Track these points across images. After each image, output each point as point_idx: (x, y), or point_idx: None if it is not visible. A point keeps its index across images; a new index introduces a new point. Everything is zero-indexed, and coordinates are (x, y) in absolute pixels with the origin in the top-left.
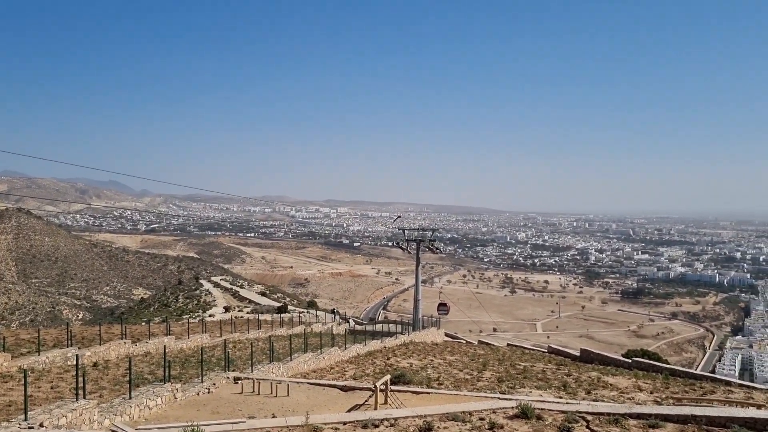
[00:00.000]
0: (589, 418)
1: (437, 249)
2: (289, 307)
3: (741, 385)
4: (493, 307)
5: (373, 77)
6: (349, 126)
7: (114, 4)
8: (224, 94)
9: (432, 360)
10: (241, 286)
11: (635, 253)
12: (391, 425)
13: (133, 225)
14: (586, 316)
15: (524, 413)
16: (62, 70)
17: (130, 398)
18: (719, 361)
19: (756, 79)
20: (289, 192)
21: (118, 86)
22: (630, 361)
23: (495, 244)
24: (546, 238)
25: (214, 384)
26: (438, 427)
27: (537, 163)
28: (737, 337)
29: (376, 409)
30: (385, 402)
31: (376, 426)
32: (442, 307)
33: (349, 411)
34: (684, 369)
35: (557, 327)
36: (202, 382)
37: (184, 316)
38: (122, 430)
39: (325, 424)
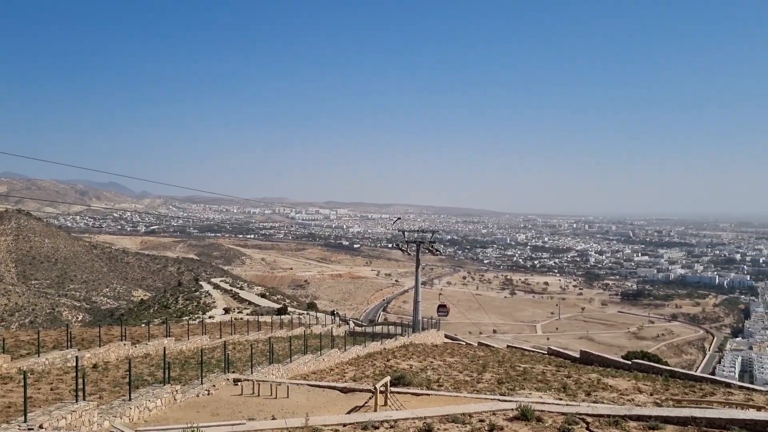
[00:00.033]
0: (589, 419)
1: (437, 251)
2: (289, 309)
3: (741, 387)
4: (492, 309)
5: (373, 78)
6: (349, 127)
7: (114, 5)
8: (224, 96)
9: (432, 362)
10: (241, 288)
11: (635, 255)
12: (391, 427)
13: (133, 226)
14: (585, 317)
15: (524, 415)
16: (62, 72)
17: (130, 400)
18: (719, 362)
19: (756, 81)
20: (289, 193)
21: (118, 87)
22: (630, 362)
23: (495, 245)
24: (546, 239)
25: (214, 386)
26: (438, 428)
27: (537, 164)
28: (737, 339)
29: (376, 410)
30: (385, 404)
31: (376, 428)
32: (442, 309)
33: (349, 413)
34: (684, 371)
35: (557, 329)
36: (201, 383)
37: (184, 318)
38: (122, 431)
39: (325, 425)
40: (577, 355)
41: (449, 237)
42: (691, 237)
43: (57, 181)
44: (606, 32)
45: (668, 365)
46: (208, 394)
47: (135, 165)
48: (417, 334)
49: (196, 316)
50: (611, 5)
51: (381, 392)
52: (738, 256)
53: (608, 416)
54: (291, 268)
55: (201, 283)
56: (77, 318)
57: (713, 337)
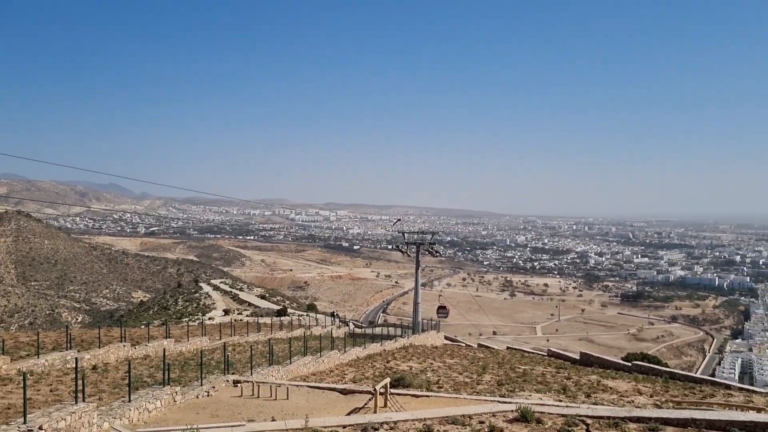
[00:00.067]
0: (589, 421)
1: (437, 252)
2: (289, 310)
3: (741, 389)
4: (492, 311)
5: (372, 79)
6: (348, 128)
7: (114, 6)
8: (224, 97)
9: (432, 363)
10: (241, 289)
11: (635, 257)
12: (391, 429)
13: (133, 228)
14: (585, 319)
15: (524, 417)
16: (62, 72)
17: (130, 401)
18: (719, 364)
19: (756, 82)
20: (288, 195)
21: (118, 88)
22: (630, 364)
23: (495, 247)
24: (546, 241)
25: (214, 387)
26: (438, 430)
27: (537, 166)
28: (737, 341)
29: (375, 412)
30: (385, 405)
31: (376, 429)
32: (442, 310)
33: (348, 414)
34: (684, 372)
35: (557, 330)
36: (201, 385)
37: (184, 319)
38: None
39: (325, 427)
40: (577, 357)
41: (449, 238)
42: (691, 238)
43: (57, 182)
44: (605, 33)
45: (668, 367)
46: (208, 396)
47: (135, 166)
48: (417, 336)
49: (195, 317)
50: (611, 5)
51: (381, 394)
52: (738, 258)
53: (608, 418)
54: (291, 270)
55: (201, 284)
56: (77, 319)
57: (713, 339)
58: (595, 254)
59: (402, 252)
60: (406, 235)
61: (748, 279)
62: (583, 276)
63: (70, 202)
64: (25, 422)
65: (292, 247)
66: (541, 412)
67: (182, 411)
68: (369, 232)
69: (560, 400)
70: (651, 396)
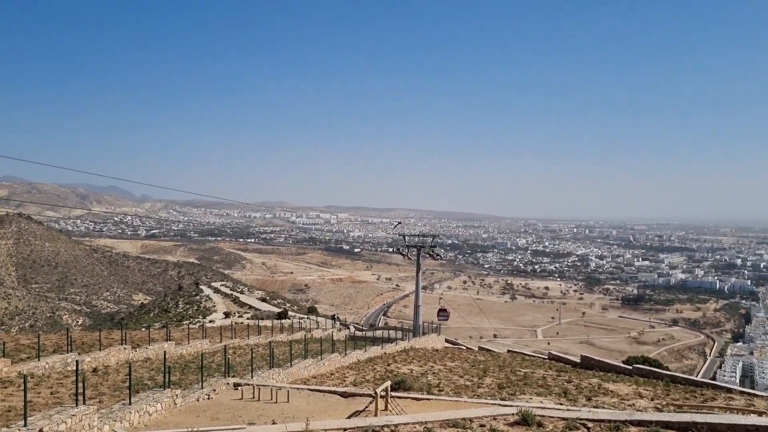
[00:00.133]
0: (590, 425)
1: (438, 255)
2: (290, 313)
3: (742, 392)
4: (493, 314)
5: (373, 82)
6: (349, 131)
7: (114, 8)
8: (224, 99)
9: (432, 366)
10: (242, 292)
11: (636, 260)
12: None
13: (134, 230)
14: (586, 322)
15: (525, 420)
16: (62, 74)
17: (130, 404)
18: (720, 367)
19: (757, 85)
20: (289, 198)
21: (119, 91)
22: (630, 367)
23: (495, 250)
24: (546, 244)
25: (214, 390)
26: None
27: (538, 169)
28: (738, 344)
29: (376, 415)
30: (386, 408)
31: None
32: (442, 313)
33: (349, 417)
34: (685, 376)
35: (557, 333)
36: (202, 388)
37: (184, 322)
38: None
39: (326, 430)
40: (578, 360)
41: (450, 241)
42: (692, 242)
43: (58, 184)
44: (606, 35)
45: (669, 370)
46: (209, 399)
47: (135, 169)
48: (417, 339)
49: (196, 320)
50: (612, 8)
51: (381, 397)
52: (739, 261)
53: (609, 421)
54: (291, 272)
55: (201, 287)
56: (77, 322)
57: (714, 342)
58: (595, 257)
59: (403, 255)
60: (406, 238)
61: (749, 282)
62: (583, 279)
63: (71, 204)
64: (25, 425)
65: (292, 250)
66: (542, 416)
67: (183, 414)
68: (370, 235)
69: (561, 404)
70: (652, 399)
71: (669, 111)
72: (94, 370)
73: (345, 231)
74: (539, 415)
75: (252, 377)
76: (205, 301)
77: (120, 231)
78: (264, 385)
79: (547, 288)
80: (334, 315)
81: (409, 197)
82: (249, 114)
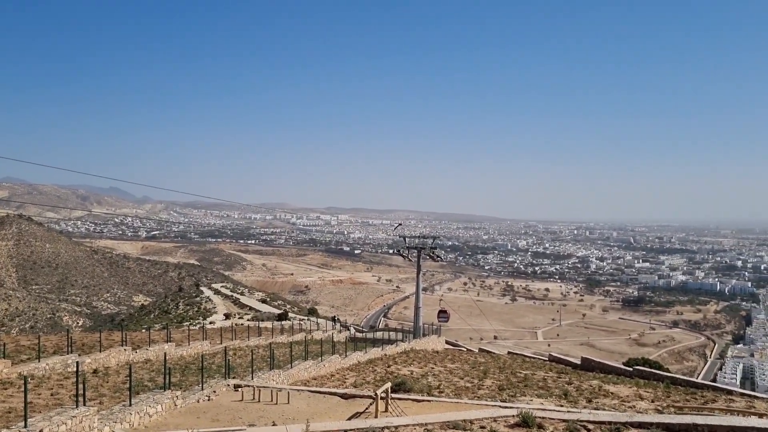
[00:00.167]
0: (591, 426)
1: (438, 257)
2: (290, 315)
3: (742, 394)
4: (493, 315)
5: (373, 83)
6: (350, 133)
7: (114, 9)
8: (225, 101)
9: (433, 368)
10: (242, 294)
11: (636, 261)
12: None
13: (134, 232)
14: (586, 324)
15: (525, 422)
16: (63, 75)
17: (130, 405)
18: (720, 369)
19: (758, 85)
20: (289, 199)
21: (119, 92)
22: (631, 369)
23: (496, 251)
24: (547, 245)
25: (215, 391)
26: None
27: (538, 171)
28: (738, 346)
29: (376, 417)
30: (386, 410)
31: None
32: (443, 314)
33: (349, 419)
34: (685, 377)
35: (558, 335)
36: (202, 389)
37: (185, 323)
38: None
39: None
40: (578, 362)
41: (450, 243)
42: (692, 243)
43: (58, 186)
44: (606, 36)
45: (669, 372)
46: (209, 400)
47: (136, 170)
48: (418, 340)
49: (196, 321)
50: (611, 9)
51: (382, 398)
52: (739, 263)
53: (610, 423)
54: (292, 274)
55: (202, 288)
56: (78, 323)
57: (714, 344)
58: (596, 259)
59: (403, 256)
60: (407, 239)
61: (749, 284)
62: (584, 281)
63: (72, 205)
64: (26, 426)
65: (293, 252)
66: (543, 417)
67: (183, 415)
68: (370, 237)
69: (561, 405)
70: (652, 401)
71: (669, 112)
72: (95, 371)
73: (345, 232)
74: (540, 417)
75: (252, 379)
76: (206, 302)
77: (120, 232)
78: (264, 387)
79: (547, 290)
80: (335, 316)
81: (410, 199)
82: (249, 115)
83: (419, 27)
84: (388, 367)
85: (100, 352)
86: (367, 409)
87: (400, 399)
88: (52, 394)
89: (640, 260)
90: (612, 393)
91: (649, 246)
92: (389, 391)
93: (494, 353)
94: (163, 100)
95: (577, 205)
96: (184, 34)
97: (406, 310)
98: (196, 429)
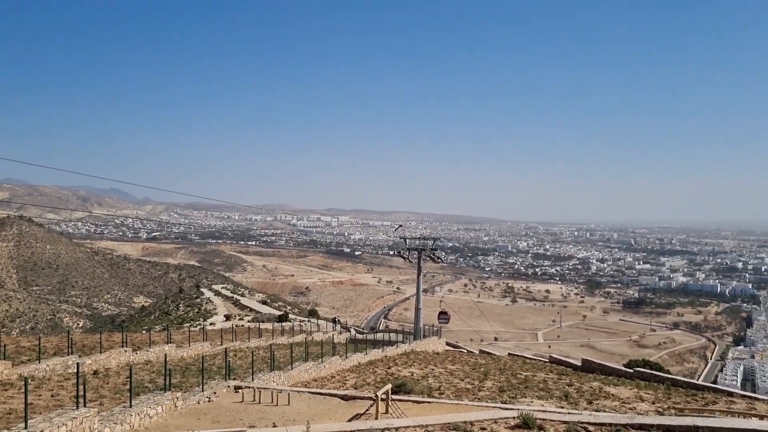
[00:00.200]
0: (591, 428)
1: (438, 258)
2: (290, 316)
3: (743, 396)
4: (494, 317)
5: (374, 85)
6: (350, 134)
7: (114, 10)
8: (225, 102)
9: (433, 369)
10: (242, 295)
11: (637, 263)
12: None
13: (135, 233)
14: (587, 325)
15: (526, 423)
16: (63, 76)
17: (131, 407)
18: (721, 371)
19: (758, 87)
20: (290, 200)
21: (120, 93)
22: (632, 371)
23: (496, 253)
24: (547, 247)
25: (215, 393)
26: None
27: (538, 172)
28: (739, 348)
29: (377, 418)
30: (387, 411)
31: None
32: (443, 316)
33: (350, 420)
34: (686, 379)
35: (558, 336)
36: (202, 390)
37: (185, 325)
38: None
39: None
40: (579, 363)
41: (451, 244)
42: (693, 245)
43: (59, 187)
44: (606, 37)
45: (670, 373)
46: (209, 401)
47: (136, 171)
48: (418, 342)
49: (197, 322)
50: (612, 10)
51: (382, 400)
52: (740, 265)
53: (610, 425)
54: (292, 275)
55: (202, 289)
56: (78, 324)
57: (715, 346)
58: (596, 260)
59: (403, 258)
60: (407, 240)
61: (750, 286)
62: (584, 282)
63: (72, 207)
64: (26, 427)
65: (293, 253)
66: (543, 419)
67: (183, 416)
68: (370, 238)
69: (562, 407)
70: (653, 403)
71: (670, 113)
72: (95, 372)
73: (346, 234)
74: (540, 419)
75: (253, 380)
76: (206, 303)
77: (121, 233)
78: (265, 388)
79: (548, 291)
80: (335, 318)
81: (410, 200)
82: (250, 116)
83: (419, 28)
84: (389, 368)
85: (101, 353)
86: (367, 410)
87: (400, 400)
88: (52, 396)
89: (641, 262)
90: (613, 395)
91: (649, 247)
92: (390, 392)
93: (495, 355)
94: (163, 101)
95: (578, 206)
96: (184, 35)
97: (407, 311)
98: (196, 430)
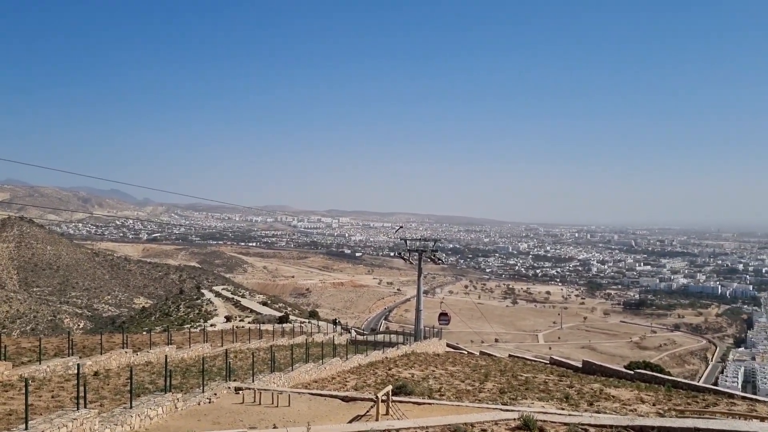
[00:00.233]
0: (592, 430)
1: (439, 259)
2: (291, 317)
3: (744, 398)
4: (494, 318)
5: (374, 86)
6: (351, 136)
7: (114, 10)
8: (226, 103)
9: (434, 371)
10: (243, 296)
11: (637, 265)
12: None
13: (135, 234)
14: (588, 327)
15: (526, 425)
16: (64, 77)
17: (131, 408)
18: (722, 373)
19: (758, 88)
20: (291, 202)
21: (120, 94)
22: (632, 372)
23: (497, 254)
24: (548, 248)
25: (215, 394)
26: None
27: (539, 173)
28: (740, 349)
29: (377, 420)
30: (387, 413)
31: None
32: (443, 317)
33: (350, 422)
34: (686, 381)
35: (559, 338)
36: (203, 392)
37: (186, 326)
38: None
39: None
40: (580, 365)
41: (451, 246)
42: (694, 246)
43: (59, 188)
44: (607, 38)
45: (671, 375)
46: (210, 403)
47: (137, 172)
48: (419, 343)
49: (197, 324)
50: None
51: (383, 401)
52: (740, 266)
53: (611, 427)
54: (293, 277)
55: (203, 291)
56: (79, 325)
57: (716, 347)
58: (597, 262)
59: (404, 259)
60: (408, 242)
61: (750, 287)
62: (585, 284)
63: (73, 208)
64: (26, 428)
65: (294, 254)
66: (544, 421)
67: (184, 418)
68: (371, 240)
69: (563, 409)
70: (654, 404)
71: (670, 114)
72: (96, 373)
73: (346, 235)
74: (541, 420)
75: (253, 381)
76: (207, 304)
77: (121, 234)
78: (265, 389)
79: (548, 292)
80: (336, 319)
81: (411, 201)
82: (250, 117)
83: (419, 28)
84: (389, 369)
85: (101, 354)
86: (368, 412)
87: (401, 402)
88: (53, 397)
89: (642, 263)
90: (613, 396)
91: (650, 249)
92: (390, 394)
93: (495, 356)
94: (164, 102)
95: (579, 207)
96: (184, 35)
97: (407, 312)
98: (196, 431)
